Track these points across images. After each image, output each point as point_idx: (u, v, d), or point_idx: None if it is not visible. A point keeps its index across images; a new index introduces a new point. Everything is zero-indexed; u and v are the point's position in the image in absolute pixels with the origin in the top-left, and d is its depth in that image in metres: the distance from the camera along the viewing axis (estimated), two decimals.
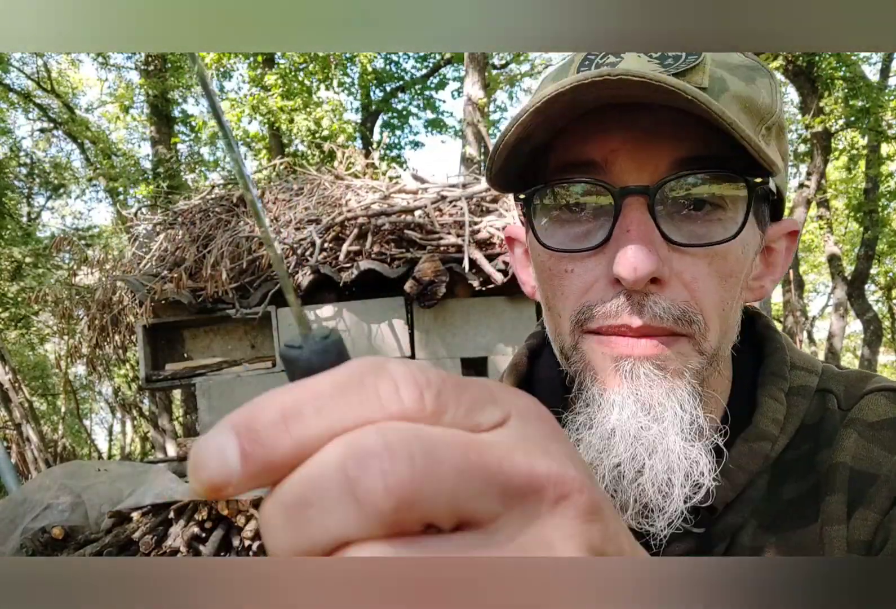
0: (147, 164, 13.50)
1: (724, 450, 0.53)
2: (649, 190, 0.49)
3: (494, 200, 4.88)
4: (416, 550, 0.20)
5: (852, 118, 10.37)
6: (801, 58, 10.25)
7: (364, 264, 4.37)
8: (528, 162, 0.55)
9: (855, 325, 14.89)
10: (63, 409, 11.83)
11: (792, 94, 13.71)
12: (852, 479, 0.53)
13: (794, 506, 0.55)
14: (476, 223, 4.55)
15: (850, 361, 18.52)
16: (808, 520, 0.54)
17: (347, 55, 11.37)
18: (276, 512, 0.21)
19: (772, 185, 0.55)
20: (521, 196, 0.56)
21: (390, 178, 5.93)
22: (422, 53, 13.58)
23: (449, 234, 4.55)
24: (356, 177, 5.97)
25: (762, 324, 0.64)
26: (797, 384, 0.59)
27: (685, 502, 0.51)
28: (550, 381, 0.61)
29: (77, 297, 5.71)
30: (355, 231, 4.66)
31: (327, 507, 0.20)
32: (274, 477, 0.21)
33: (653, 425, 0.50)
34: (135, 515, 3.38)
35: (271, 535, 0.21)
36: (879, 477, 0.53)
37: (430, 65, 14.32)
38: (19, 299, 12.17)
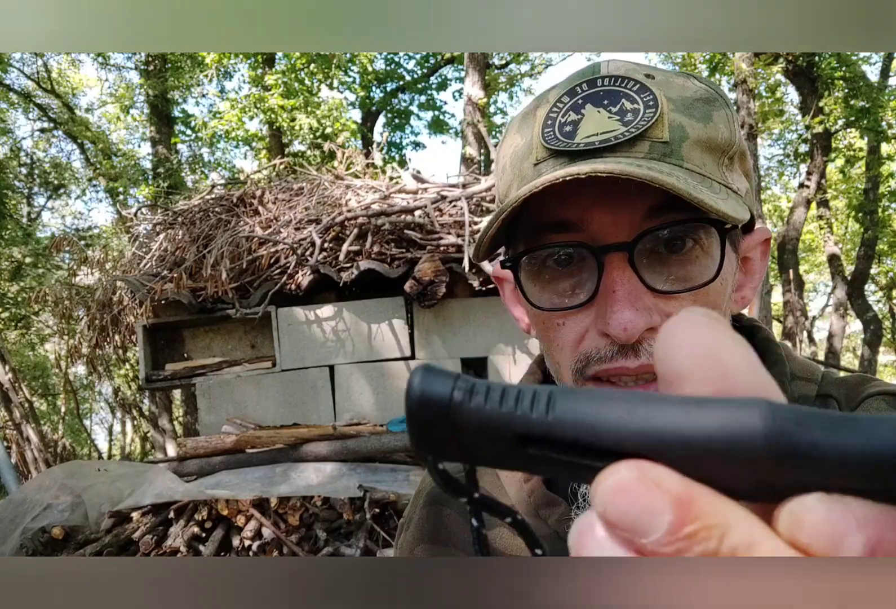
0: (147, 164, 13.49)
1: None
2: (627, 245, 0.52)
3: (494, 200, 4.88)
4: None
5: (852, 118, 10.37)
6: (801, 58, 10.24)
7: (364, 264, 4.37)
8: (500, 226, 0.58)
9: (855, 325, 14.89)
10: (63, 409, 11.84)
11: (792, 94, 13.72)
12: None
13: None
14: (476, 223, 4.55)
15: (849, 361, 18.52)
16: None
17: (349, 55, 11.37)
18: None
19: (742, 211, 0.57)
20: (507, 262, 0.60)
21: (390, 178, 5.92)
22: (423, 54, 13.58)
23: (449, 234, 4.54)
24: (356, 177, 5.97)
25: (762, 337, 0.67)
26: (797, 395, 0.61)
27: None
28: None
29: (77, 297, 5.71)
30: (355, 231, 4.66)
31: None
32: None
33: None
34: (135, 515, 3.38)
35: None
36: None
37: (431, 65, 14.31)
38: (19, 299, 12.17)
